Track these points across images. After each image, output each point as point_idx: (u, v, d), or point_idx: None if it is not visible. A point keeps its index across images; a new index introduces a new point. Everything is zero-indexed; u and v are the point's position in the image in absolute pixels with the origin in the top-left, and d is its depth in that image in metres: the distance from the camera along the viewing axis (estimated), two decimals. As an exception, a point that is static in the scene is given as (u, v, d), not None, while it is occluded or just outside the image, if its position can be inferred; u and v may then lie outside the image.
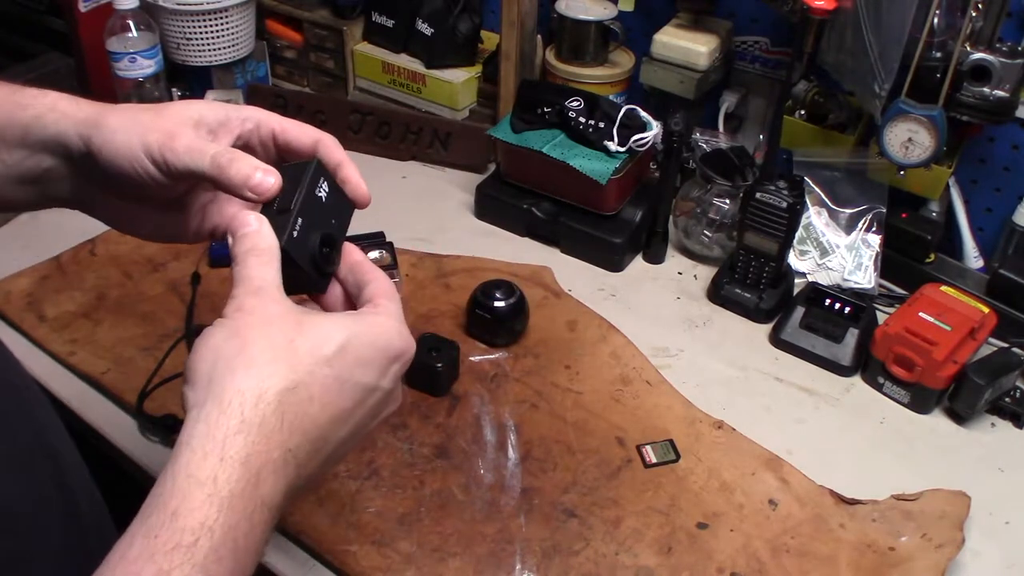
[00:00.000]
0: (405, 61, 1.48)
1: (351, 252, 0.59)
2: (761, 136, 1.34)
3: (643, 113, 1.18)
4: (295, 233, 0.54)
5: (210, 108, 0.58)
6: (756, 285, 1.13)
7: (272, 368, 0.47)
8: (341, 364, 0.49)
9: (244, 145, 0.61)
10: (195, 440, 0.44)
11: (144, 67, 1.34)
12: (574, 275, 1.19)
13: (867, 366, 1.05)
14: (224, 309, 0.50)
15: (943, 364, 0.98)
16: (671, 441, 0.95)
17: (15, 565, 0.48)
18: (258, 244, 0.52)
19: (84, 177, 0.60)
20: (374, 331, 0.51)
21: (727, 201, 1.19)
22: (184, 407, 0.47)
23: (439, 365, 0.96)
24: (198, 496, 0.42)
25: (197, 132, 0.57)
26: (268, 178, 0.55)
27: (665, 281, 1.20)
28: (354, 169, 0.66)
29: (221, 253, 1.15)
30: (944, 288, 1.06)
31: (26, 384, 0.55)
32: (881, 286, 1.18)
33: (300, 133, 0.63)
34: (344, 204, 0.60)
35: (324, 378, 0.48)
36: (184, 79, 1.49)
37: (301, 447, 0.47)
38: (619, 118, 1.17)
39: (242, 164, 0.55)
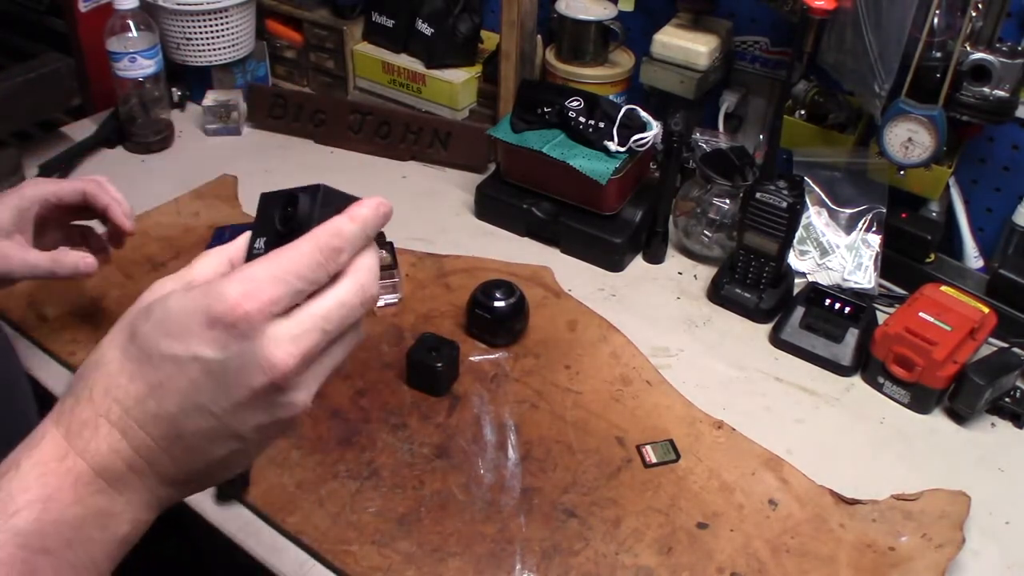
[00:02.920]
0: (405, 61, 1.48)
1: None
2: (761, 136, 1.34)
3: (643, 113, 1.18)
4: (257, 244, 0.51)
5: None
6: (756, 285, 1.13)
7: (101, 347, 0.47)
8: (145, 334, 0.45)
9: (41, 220, 0.87)
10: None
11: (144, 67, 1.34)
12: (574, 275, 1.19)
13: (867, 366, 1.05)
14: None
15: (943, 364, 0.98)
16: (671, 441, 0.95)
17: None
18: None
19: None
20: (191, 293, 0.45)
21: (727, 201, 1.19)
22: None
23: (439, 365, 0.96)
24: (22, 446, 0.46)
25: (11, 242, 0.70)
26: (88, 259, 0.85)
27: (665, 281, 1.20)
28: (119, 211, 0.90)
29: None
30: (944, 288, 1.06)
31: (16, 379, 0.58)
32: (881, 286, 1.18)
33: (70, 189, 0.88)
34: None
35: (128, 350, 0.46)
36: (184, 79, 1.50)
37: (112, 410, 0.45)
38: (619, 118, 1.17)
39: (66, 260, 0.82)
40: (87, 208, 0.91)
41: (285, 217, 0.49)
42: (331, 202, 0.49)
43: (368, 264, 0.48)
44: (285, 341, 0.44)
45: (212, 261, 0.50)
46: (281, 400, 0.45)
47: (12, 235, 0.85)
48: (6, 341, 0.61)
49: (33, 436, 0.46)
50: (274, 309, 0.44)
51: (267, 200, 0.51)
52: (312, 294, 0.45)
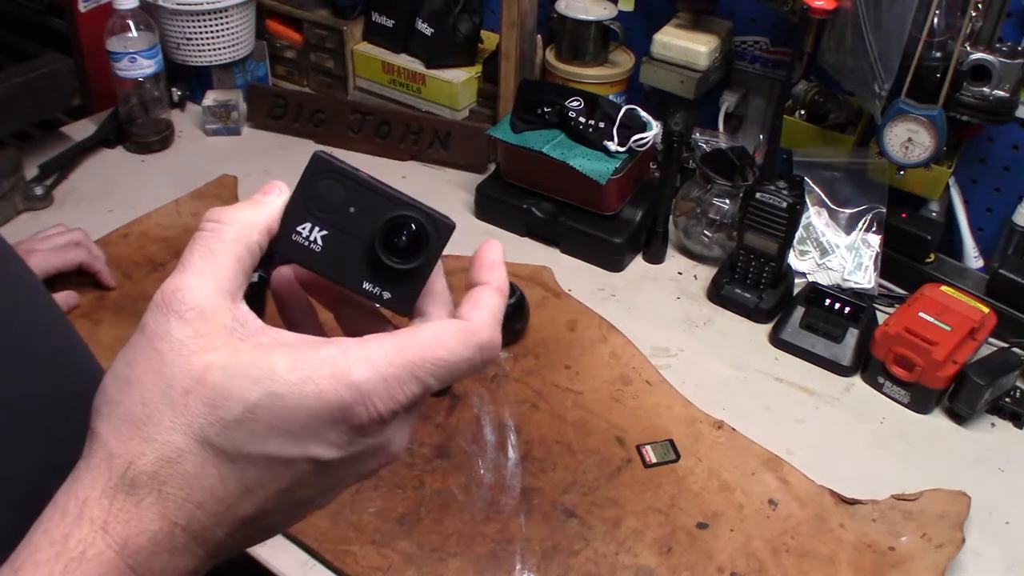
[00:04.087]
0: (405, 61, 1.48)
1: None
2: (761, 136, 1.34)
3: (643, 113, 1.18)
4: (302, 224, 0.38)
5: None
6: (756, 285, 1.13)
7: (156, 430, 0.35)
8: (244, 431, 0.35)
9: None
10: (60, 496, 0.36)
11: (144, 67, 1.34)
12: (574, 275, 1.19)
13: (867, 366, 1.05)
14: None
15: (943, 364, 0.98)
16: (671, 441, 0.95)
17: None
18: (233, 219, 0.38)
19: None
20: (307, 387, 0.35)
21: (727, 201, 1.19)
22: None
23: (439, 365, 0.96)
24: (45, 552, 0.35)
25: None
26: (72, 295, 1.03)
27: (665, 281, 1.20)
28: (106, 275, 1.09)
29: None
30: (944, 288, 1.06)
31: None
32: (881, 286, 1.18)
33: (70, 263, 1.06)
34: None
35: (211, 444, 0.36)
36: (184, 79, 1.50)
37: (195, 518, 0.36)
38: (619, 118, 1.17)
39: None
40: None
41: (393, 243, 0.38)
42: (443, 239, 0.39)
43: (495, 319, 0.41)
44: (407, 427, 0.39)
45: (238, 251, 0.38)
46: (379, 470, 0.41)
47: None
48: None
49: (63, 541, 0.35)
50: (409, 408, 0.38)
51: (336, 174, 0.38)
52: None
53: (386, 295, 0.39)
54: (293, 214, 0.38)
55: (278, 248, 0.38)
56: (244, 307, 0.38)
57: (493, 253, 0.41)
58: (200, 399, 0.35)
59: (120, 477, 0.36)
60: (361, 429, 0.36)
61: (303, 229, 0.38)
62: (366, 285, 0.39)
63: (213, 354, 0.36)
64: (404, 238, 0.38)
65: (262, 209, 0.39)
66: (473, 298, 0.40)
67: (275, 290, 0.42)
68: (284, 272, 0.42)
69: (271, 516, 0.38)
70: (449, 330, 0.38)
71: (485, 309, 0.39)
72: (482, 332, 0.38)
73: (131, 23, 1.30)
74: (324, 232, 0.38)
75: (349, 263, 0.38)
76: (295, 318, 0.43)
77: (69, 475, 0.37)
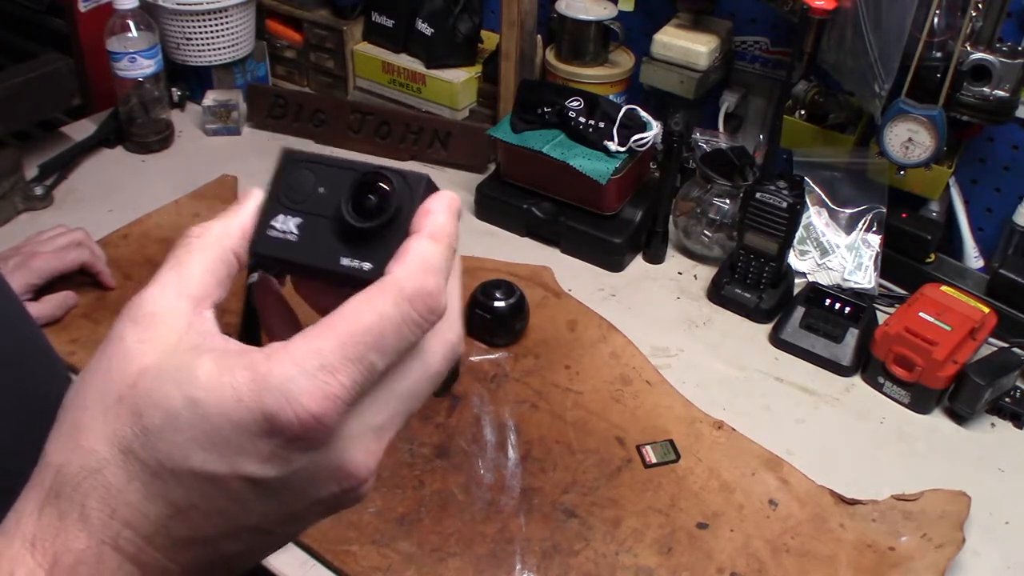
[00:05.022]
0: (405, 61, 1.48)
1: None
2: (761, 136, 1.34)
3: (643, 113, 1.18)
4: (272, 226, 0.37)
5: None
6: (756, 285, 1.13)
7: (86, 438, 0.33)
8: (165, 443, 0.32)
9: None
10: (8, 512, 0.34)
11: (144, 67, 1.34)
12: (574, 275, 1.19)
13: (867, 366, 1.05)
14: None
15: (943, 364, 0.98)
16: (671, 441, 0.95)
17: None
18: (203, 234, 0.37)
19: None
20: (226, 392, 0.31)
21: (727, 201, 1.19)
22: None
23: (439, 365, 0.96)
24: None
25: None
26: (71, 295, 1.06)
27: (665, 281, 1.20)
28: (107, 275, 1.09)
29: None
30: (944, 288, 1.06)
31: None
32: (881, 286, 1.18)
33: (71, 264, 1.06)
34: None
35: (135, 455, 0.32)
36: (184, 79, 1.50)
37: (123, 536, 0.32)
38: (619, 118, 1.17)
39: (63, 304, 1.05)
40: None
41: (362, 205, 0.35)
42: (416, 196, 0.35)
43: (455, 308, 0.37)
44: (367, 439, 0.34)
45: (210, 257, 0.36)
46: (348, 499, 0.35)
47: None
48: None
49: (2, 571, 0.32)
50: (352, 401, 0.32)
51: (304, 162, 0.37)
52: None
53: (366, 266, 0.35)
54: (267, 211, 0.37)
55: (255, 246, 0.36)
56: (209, 316, 0.35)
57: (433, 202, 0.36)
58: (129, 406, 0.32)
59: (48, 489, 0.33)
60: (297, 439, 0.31)
61: (276, 222, 0.36)
62: (344, 261, 0.35)
63: (151, 358, 0.33)
64: (373, 199, 0.35)
65: (234, 216, 0.37)
66: (399, 251, 0.35)
67: (255, 299, 0.38)
68: (261, 280, 0.39)
69: (220, 544, 0.34)
70: (371, 293, 0.33)
71: (410, 258, 0.34)
72: (407, 282, 0.33)
73: (131, 23, 1.30)
74: (298, 219, 0.36)
75: (324, 243, 0.36)
76: (275, 326, 0.40)
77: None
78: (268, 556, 0.38)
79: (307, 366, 0.31)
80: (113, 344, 0.34)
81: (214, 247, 0.36)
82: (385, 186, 0.35)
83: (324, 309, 0.36)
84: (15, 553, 0.32)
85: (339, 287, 0.35)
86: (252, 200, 0.37)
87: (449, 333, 0.36)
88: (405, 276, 0.33)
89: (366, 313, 0.32)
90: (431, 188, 0.36)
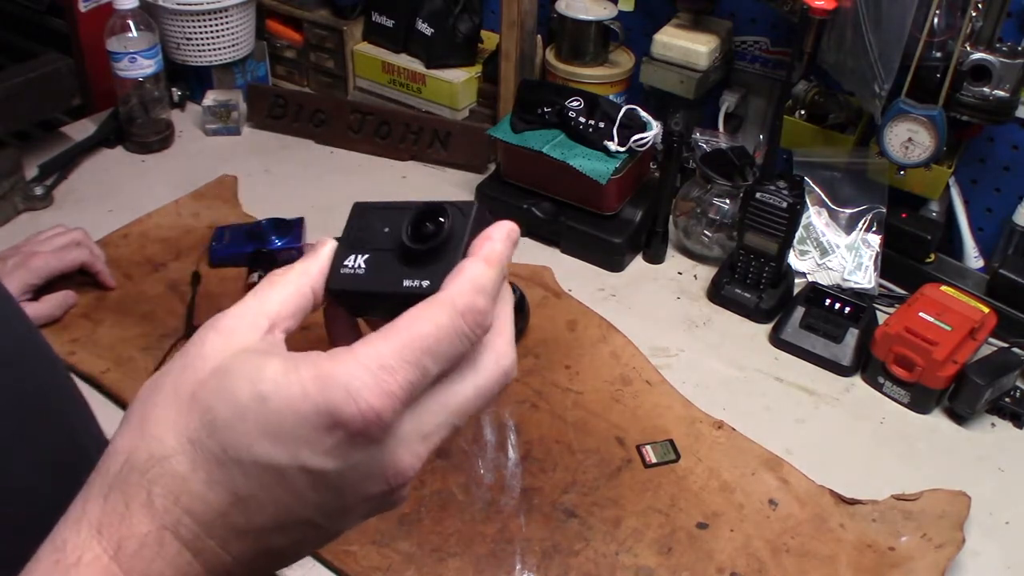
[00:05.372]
0: (405, 61, 1.48)
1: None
2: (761, 136, 1.34)
3: (643, 113, 1.18)
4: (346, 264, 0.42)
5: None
6: (756, 285, 1.13)
7: (156, 428, 0.36)
8: (232, 433, 0.34)
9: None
10: (74, 500, 0.37)
11: (144, 67, 1.34)
12: (574, 275, 1.19)
13: (867, 366, 1.05)
14: None
15: (943, 364, 0.98)
16: (671, 441, 0.95)
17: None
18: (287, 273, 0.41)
19: None
20: (293, 388, 0.34)
21: (727, 201, 1.19)
22: None
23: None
24: (46, 561, 0.35)
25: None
26: (71, 293, 1.06)
27: (665, 281, 1.20)
28: (107, 275, 1.09)
29: (221, 253, 1.15)
30: (944, 288, 1.06)
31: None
32: (881, 286, 1.18)
33: (70, 263, 1.06)
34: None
35: (203, 445, 0.35)
36: (184, 79, 1.50)
37: (183, 523, 0.35)
38: (619, 118, 1.17)
39: (63, 303, 1.05)
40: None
41: (420, 232, 0.40)
42: (479, 225, 0.40)
43: (507, 330, 0.40)
44: (415, 442, 0.37)
45: (289, 290, 0.40)
46: (392, 499, 0.38)
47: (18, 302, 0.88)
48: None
49: (62, 547, 0.34)
50: (408, 401, 0.35)
51: (371, 209, 0.42)
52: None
53: (425, 283, 0.39)
54: (340, 254, 0.41)
55: (329, 283, 0.41)
56: (280, 337, 0.39)
57: (495, 230, 0.40)
58: (200, 401, 0.35)
59: (115, 474, 0.35)
60: (358, 434, 0.34)
61: (348, 261, 0.41)
62: (406, 282, 0.39)
63: (224, 358, 0.36)
64: (429, 227, 0.40)
65: (312, 259, 0.41)
66: (454, 271, 0.38)
67: (325, 308, 0.43)
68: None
69: (272, 536, 0.36)
70: (426, 305, 0.37)
71: (463, 277, 0.37)
72: (460, 298, 0.36)
73: (131, 23, 1.30)
74: (366, 256, 0.41)
75: (388, 271, 0.40)
76: (338, 332, 0.44)
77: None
78: (307, 554, 0.40)
79: (370, 365, 0.34)
80: (192, 347, 0.37)
81: (293, 283, 0.40)
82: (439, 215, 0.40)
83: None
84: (82, 540, 0.34)
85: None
86: (328, 245, 0.42)
87: (504, 360, 0.39)
88: (457, 292, 0.37)
89: (422, 322, 0.36)
90: (482, 212, 0.41)
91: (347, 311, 0.44)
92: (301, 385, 0.34)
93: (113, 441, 0.37)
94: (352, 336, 0.44)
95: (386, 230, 0.41)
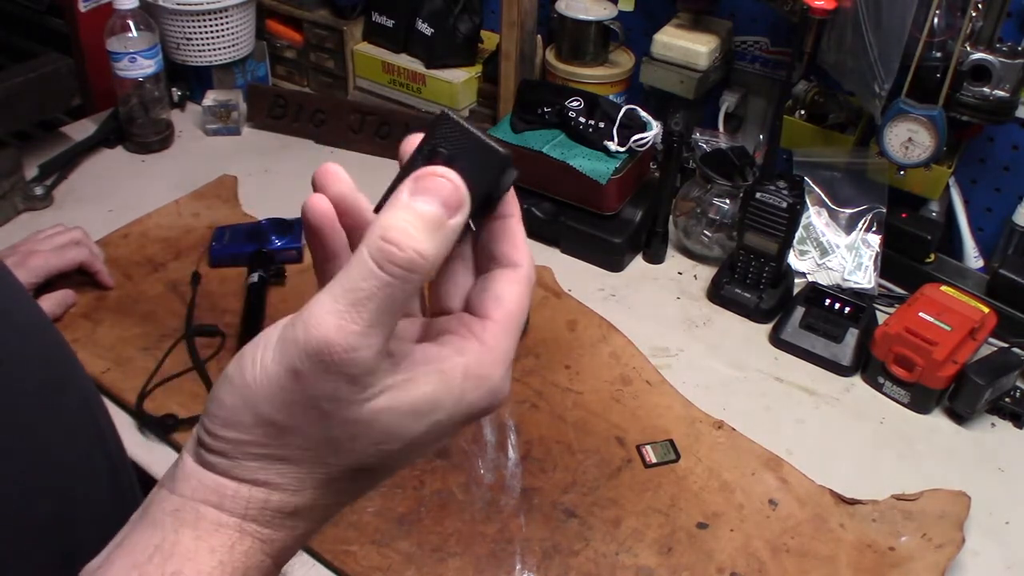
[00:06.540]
0: (405, 61, 1.48)
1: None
2: (761, 136, 1.34)
3: (643, 113, 1.18)
4: None
5: None
6: (756, 285, 1.13)
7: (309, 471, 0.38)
8: (401, 450, 0.38)
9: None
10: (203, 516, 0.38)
11: (144, 67, 1.34)
12: (574, 275, 1.19)
13: (867, 366, 1.05)
14: None
15: (943, 364, 0.98)
16: (671, 441, 0.95)
17: (69, 521, 0.47)
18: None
19: None
20: (461, 407, 0.38)
21: (727, 201, 1.19)
22: None
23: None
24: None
25: None
26: (70, 292, 1.07)
27: (665, 281, 1.20)
28: (105, 275, 1.09)
29: (221, 253, 1.15)
30: (944, 288, 1.06)
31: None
32: (881, 286, 1.18)
33: (70, 263, 1.06)
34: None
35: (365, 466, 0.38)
36: (184, 79, 1.50)
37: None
38: (619, 118, 1.17)
39: (62, 302, 1.06)
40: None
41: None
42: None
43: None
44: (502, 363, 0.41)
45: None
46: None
47: None
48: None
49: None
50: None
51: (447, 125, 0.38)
52: None
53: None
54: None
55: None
56: (392, 340, 0.37)
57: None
58: (366, 441, 0.37)
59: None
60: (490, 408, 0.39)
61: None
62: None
63: (378, 400, 0.36)
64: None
65: (445, 242, 0.36)
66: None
67: (311, 223, 0.41)
68: (320, 206, 0.41)
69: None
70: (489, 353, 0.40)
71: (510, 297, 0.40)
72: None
73: (131, 23, 1.30)
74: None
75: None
76: (329, 251, 0.41)
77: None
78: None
79: (499, 359, 0.40)
80: (328, 400, 0.36)
81: (420, 283, 0.39)
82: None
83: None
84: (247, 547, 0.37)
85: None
86: (458, 218, 0.37)
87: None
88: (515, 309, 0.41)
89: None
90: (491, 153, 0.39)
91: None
92: (468, 401, 0.38)
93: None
94: (345, 253, 0.42)
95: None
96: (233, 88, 1.50)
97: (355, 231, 0.42)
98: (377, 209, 0.39)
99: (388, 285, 0.34)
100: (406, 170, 0.38)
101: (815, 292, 1.10)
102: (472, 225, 0.39)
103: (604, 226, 1.20)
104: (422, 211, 0.35)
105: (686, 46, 1.23)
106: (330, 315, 0.34)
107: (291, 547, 0.39)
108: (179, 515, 0.36)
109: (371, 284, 0.34)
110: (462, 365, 0.38)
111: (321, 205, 0.40)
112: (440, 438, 0.38)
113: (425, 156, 0.38)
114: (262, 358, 0.36)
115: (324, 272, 0.41)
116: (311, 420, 0.36)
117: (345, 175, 0.42)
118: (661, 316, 1.14)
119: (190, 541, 0.36)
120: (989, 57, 1.01)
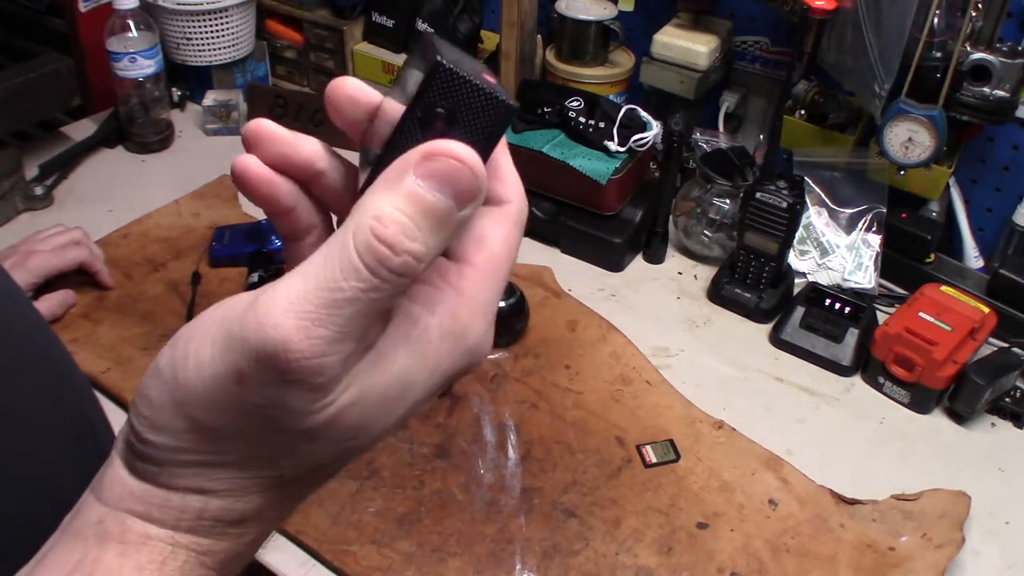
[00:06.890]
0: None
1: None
2: (761, 136, 1.34)
3: (643, 113, 1.18)
4: None
5: None
6: (756, 285, 1.13)
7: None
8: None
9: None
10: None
11: (144, 67, 1.34)
12: (574, 275, 1.19)
13: (867, 366, 1.05)
14: None
15: (943, 364, 0.98)
16: (671, 441, 0.95)
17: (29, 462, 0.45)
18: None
19: None
20: (436, 374, 0.32)
21: (727, 201, 1.19)
22: None
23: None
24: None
25: None
26: (70, 293, 1.07)
27: (665, 281, 1.20)
28: (105, 274, 1.09)
29: (221, 253, 1.15)
30: (944, 288, 1.06)
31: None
32: (881, 286, 1.18)
33: (70, 263, 1.06)
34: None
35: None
36: (184, 79, 1.50)
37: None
38: (619, 118, 1.17)
39: (63, 302, 1.05)
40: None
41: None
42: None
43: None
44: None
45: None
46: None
47: None
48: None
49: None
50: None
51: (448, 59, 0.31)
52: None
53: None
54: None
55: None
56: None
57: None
58: (328, 443, 0.31)
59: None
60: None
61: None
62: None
63: (341, 399, 0.30)
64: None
65: (450, 237, 0.31)
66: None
67: (247, 189, 0.35)
68: (251, 166, 0.35)
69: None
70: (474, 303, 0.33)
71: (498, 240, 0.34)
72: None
73: (131, 23, 1.30)
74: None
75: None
76: (296, 227, 0.36)
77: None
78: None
79: (485, 315, 0.33)
80: (280, 409, 0.31)
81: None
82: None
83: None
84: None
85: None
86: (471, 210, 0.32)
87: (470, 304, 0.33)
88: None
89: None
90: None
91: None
92: (441, 362, 0.32)
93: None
94: (302, 203, 0.37)
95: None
96: (233, 88, 1.50)
97: (334, 201, 0.35)
98: (365, 186, 0.31)
99: (375, 289, 0.28)
100: (398, 139, 0.31)
101: (815, 292, 1.10)
102: None
103: (604, 226, 1.20)
104: (430, 202, 0.29)
105: (686, 46, 1.23)
106: (290, 315, 0.28)
107: (241, 554, 0.34)
108: (103, 527, 0.31)
109: (354, 285, 0.28)
110: (436, 327, 0.31)
111: (253, 168, 0.34)
112: (412, 415, 0.32)
113: (420, 121, 0.31)
114: (197, 352, 0.30)
115: (293, 253, 0.35)
116: (257, 427, 0.30)
117: (282, 132, 0.35)
118: (661, 316, 1.14)
119: (113, 558, 0.31)
120: (989, 57, 1.01)
